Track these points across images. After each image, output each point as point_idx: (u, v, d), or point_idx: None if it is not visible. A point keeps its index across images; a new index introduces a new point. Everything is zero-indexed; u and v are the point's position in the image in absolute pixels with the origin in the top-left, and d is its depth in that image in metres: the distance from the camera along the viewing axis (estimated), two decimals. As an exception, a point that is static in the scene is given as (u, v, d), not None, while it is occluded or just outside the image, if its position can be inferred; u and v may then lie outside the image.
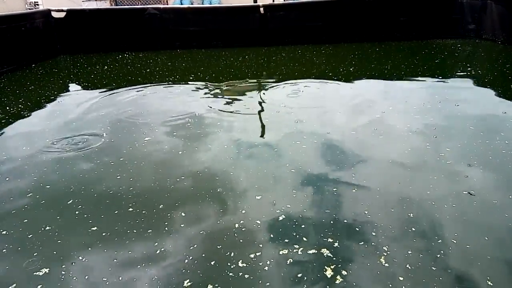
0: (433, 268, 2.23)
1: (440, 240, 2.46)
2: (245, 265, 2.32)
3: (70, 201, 3.08)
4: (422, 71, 6.59)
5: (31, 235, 2.70)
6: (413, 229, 2.58)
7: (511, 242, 2.42)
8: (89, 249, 2.54)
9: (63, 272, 2.34)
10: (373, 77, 6.51)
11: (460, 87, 5.72)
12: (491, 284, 2.10)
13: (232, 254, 2.42)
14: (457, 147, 3.72)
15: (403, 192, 3.02)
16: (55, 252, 2.52)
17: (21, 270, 2.39)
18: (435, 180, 3.16)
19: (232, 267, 2.31)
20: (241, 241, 2.54)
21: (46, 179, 3.49)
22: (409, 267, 2.24)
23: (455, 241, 2.45)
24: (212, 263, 2.36)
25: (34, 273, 2.34)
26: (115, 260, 2.43)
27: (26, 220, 2.88)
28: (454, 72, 6.66)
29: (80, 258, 2.46)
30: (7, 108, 5.62)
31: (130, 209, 2.95)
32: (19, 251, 2.56)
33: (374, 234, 2.55)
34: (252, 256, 2.39)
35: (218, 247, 2.49)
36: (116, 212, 2.94)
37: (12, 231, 2.78)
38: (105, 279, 2.27)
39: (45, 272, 2.35)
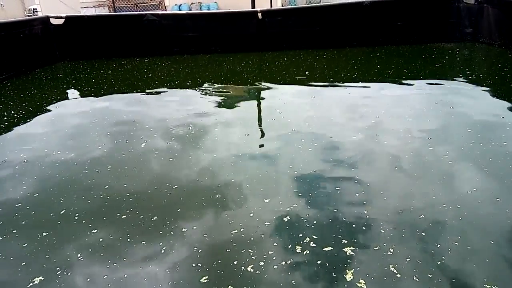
0: (437, 270, 2.19)
1: (446, 243, 2.42)
2: (257, 266, 2.29)
3: (64, 211, 3.01)
4: (423, 75, 6.60)
5: (26, 244, 2.64)
6: (423, 233, 2.54)
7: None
8: (90, 250, 2.49)
9: (60, 278, 2.29)
10: (374, 81, 6.50)
11: (460, 90, 5.70)
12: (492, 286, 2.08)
13: (243, 256, 2.38)
14: (458, 150, 3.69)
15: (406, 195, 2.99)
16: (52, 260, 2.47)
17: (18, 278, 2.34)
18: (438, 183, 3.12)
19: (243, 268, 2.28)
20: (251, 240, 2.52)
21: (41, 186, 3.43)
22: (415, 269, 2.21)
23: (457, 243, 2.41)
24: (221, 264, 2.31)
25: (31, 281, 2.29)
26: (115, 264, 2.38)
27: (19, 228, 2.83)
28: (453, 75, 6.65)
29: (81, 261, 2.41)
30: (12, 112, 5.60)
31: (124, 216, 2.88)
32: (14, 260, 2.51)
33: (382, 231, 2.54)
34: (264, 256, 2.36)
35: (228, 250, 2.45)
36: (117, 215, 2.89)
37: (9, 236, 2.73)
38: (106, 277, 2.23)
39: (41, 279, 2.30)
